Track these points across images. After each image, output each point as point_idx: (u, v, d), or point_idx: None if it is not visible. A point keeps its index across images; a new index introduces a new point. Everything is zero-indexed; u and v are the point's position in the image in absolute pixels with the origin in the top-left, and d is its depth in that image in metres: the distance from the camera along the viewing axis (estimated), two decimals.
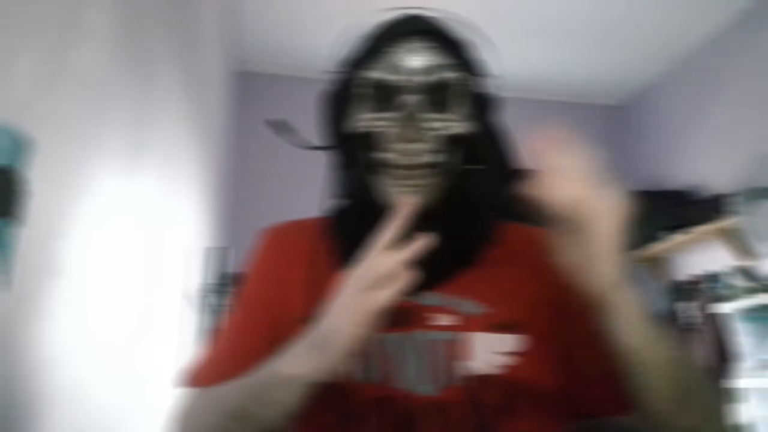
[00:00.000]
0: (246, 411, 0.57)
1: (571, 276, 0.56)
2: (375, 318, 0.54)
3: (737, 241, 2.55)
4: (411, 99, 0.64)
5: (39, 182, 0.70)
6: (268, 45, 3.13)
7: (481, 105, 0.69)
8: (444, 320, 0.63)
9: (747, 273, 2.45)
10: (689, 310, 2.68)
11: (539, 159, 0.57)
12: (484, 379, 0.60)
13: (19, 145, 0.65)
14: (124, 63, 1.07)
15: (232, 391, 0.60)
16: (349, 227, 0.71)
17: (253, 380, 0.58)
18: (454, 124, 0.65)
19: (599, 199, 0.54)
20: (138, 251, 1.25)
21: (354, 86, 0.68)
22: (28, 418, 0.74)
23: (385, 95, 0.65)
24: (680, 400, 0.57)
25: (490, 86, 0.71)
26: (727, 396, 2.30)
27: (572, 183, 0.55)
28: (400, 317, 0.63)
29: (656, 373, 0.55)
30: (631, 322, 0.55)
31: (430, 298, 0.65)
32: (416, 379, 0.61)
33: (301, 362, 0.54)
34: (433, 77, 0.65)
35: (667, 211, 2.82)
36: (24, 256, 0.68)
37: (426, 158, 0.64)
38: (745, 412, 2.24)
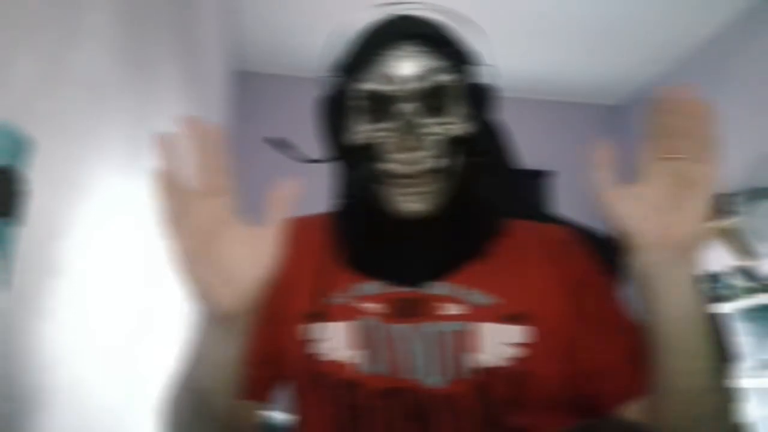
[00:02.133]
0: (192, 378, 0.58)
1: (638, 224, 0.53)
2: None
3: (737, 241, 2.55)
4: (407, 107, 0.63)
5: (39, 182, 0.70)
6: (268, 45, 3.13)
7: (479, 102, 0.68)
8: (452, 310, 0.63)
9: (747, 273, 2.45)
10: None
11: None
12: (492, 372, 0.60)
13: (19, 145, 0.65)
14: (124, 63, 1.07)
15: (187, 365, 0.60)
16: (356, 227, 0.70)
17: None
18: (454, 126, 0.64)
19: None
20: (138, 251, 1.25)
21: (348, 98, 0.67)
22: (29, 417, 0.74)
23: (381, 105, 0.64)
24: (700, 386, 0.55)
25: (486, 80, 0.70)
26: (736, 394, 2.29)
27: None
28: (408, 307, 0.64)
29: (686, 352, 0.53)
30: (680, 290, 0.53)
31: (439, 287, 0.65)
32: (425, 370, 0.61)
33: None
34: (427, 82, 0.64)
35: None
36: (24, 256, 0.68)
37: (428, 164, 0.63)
38: (745, 412, 2.24)
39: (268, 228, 0.52)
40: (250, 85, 3.27)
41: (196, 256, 0.50)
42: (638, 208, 0.53)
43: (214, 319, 0.52)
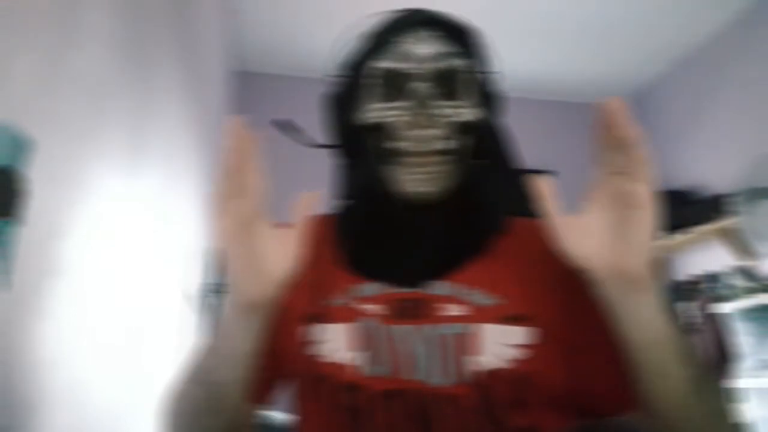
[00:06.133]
0: (205, 370, 0.59)
1: (592, 257, 0.53)
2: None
3: (737, 241, 2.55)
4: (422, 86, 0.64)
5: (39, 182, 0.70)
6: (268, 45, 3.13)
7: (488, 95, 0.69)
8: (454, 310, 0.63)
9: (747, 273, 2.45)
10: (689, 310, 2.68)
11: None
12: (494, 374, 0.60)
13: (19, 145, 0.65)
14: (124, 63, 1.07)
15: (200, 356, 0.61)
16: (358, 225, 0.70)
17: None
18: (465, 111, 0.65)
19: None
20: (138, 251, 1.25)
21: (363, 77, 0.68)
22: (29, 418, 0.74)
23: (395, 84, 0.65)
24: (684, 402, 0.55)
25: (495, 80, 0.71)
26: (729, 395, 2.29)
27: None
28: (408, 308, 0.64)
29: (663, 373, 0.53)
30: (647, 316, 0.53)
31: (440, 287, 0.64)
32: (428, 371, 0.61)
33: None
34: (443, 64, 0.65)
35: (667, 211, 2.82)
36: (24, 256, 0.68)
37: (439, 145, 0.64)
38: (745, 412, 2.24)
39: (293, 228, 0.56)
40: (250, 85, 3.27)
41: (235, 244, 0.54)
42: (587, 242, 0.53)
43: (239, 309, 0.55)
